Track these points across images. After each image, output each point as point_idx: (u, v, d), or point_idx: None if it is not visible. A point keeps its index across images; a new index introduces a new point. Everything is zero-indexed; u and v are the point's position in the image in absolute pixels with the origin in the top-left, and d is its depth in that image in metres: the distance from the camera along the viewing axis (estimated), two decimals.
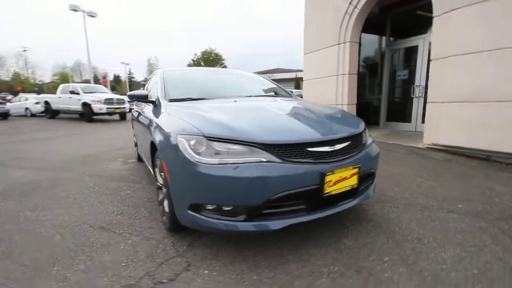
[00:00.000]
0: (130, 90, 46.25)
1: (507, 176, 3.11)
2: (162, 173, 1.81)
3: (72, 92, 12.26)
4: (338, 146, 1.61)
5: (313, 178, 1.47)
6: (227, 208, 1.49)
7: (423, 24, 5.97)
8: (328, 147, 1.57)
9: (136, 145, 4.45)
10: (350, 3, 5.81)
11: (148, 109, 2.68)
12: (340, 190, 1.57)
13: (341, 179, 1.56)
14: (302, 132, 1.58)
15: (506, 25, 3.47)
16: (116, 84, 57.95)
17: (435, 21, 4.32)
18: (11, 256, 1.75)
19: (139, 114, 3.30)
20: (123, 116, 13.37)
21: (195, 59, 30.08)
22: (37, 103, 15.00)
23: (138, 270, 1.56)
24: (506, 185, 2.79)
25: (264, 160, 1.43)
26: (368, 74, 7.43)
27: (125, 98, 14.11)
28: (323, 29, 6.60)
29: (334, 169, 1.52)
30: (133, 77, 61.37)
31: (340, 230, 1.96)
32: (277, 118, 1.78)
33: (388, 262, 1.58)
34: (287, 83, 27.66)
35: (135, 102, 4.26)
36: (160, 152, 1.74)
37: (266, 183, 1.40)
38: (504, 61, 3.52)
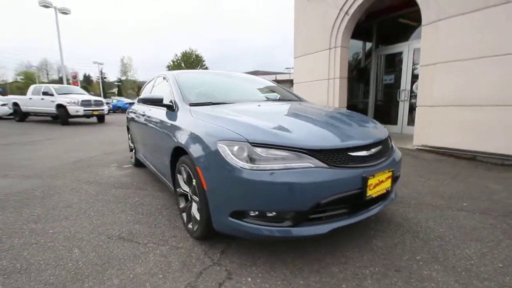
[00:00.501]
0: (104, 90, 44.04)
1: (496, 175, 3.38)
2: (194, 180, 1.76)
3: (44, 93, 11.50)
4: (373, 150, 1.67)
5: (357, 182, 1.52)
6: (271, 214, 1.49)
7: (408, 31, 6.34)
8: (365, 151, 1.63)
9: (132, 149, 4.28)
10: (341, 9, 6.02)
11: (159, 113, 2.59)
12: (378, 193, 1.63)
13: (379, 183, 1.61)
14: (342, 137, 1.62)
15: (489, 35, 3.78)
16: (87, 85, 54.99)
17: (423, 29, 4.60)
18: (29, 274, 1.61)
19: (142, 117, 3.18)
20: (101, 119, 12.78)
21: (174, 60, 29.35)
22: (4, 104, 13.84)
23: (178, 282, 1.51)
24: (499, 183, 3.03)
25: (313, 165, 1.44)
26: (355, 78, 7.71)
27: (103, 99, 13.54)
28: (314, 34, 6.77)
29: (374, 172, 1.58)
30: (105, 77, 58.41)
31: (367, 231, 2.02)
32: (314, 123, 1.80)
33: (422, 260, 1.66)
34: None
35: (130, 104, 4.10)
36: (195, 159, 1.69)
37: (316, 188, 1.42)
38: (487, 68, 3.84)
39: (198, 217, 1.82)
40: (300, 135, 1.55)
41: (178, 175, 2.10)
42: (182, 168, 1.99)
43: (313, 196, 1.43)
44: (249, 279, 1.53)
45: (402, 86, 6.38)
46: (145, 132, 3.10)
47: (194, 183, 1.79)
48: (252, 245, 1.85)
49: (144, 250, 1.83)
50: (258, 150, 1.48)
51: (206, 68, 30.18)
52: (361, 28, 6.83)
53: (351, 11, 5.86)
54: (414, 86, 6.14)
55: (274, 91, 3.03)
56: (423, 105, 4.73)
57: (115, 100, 27.50)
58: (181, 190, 2.09)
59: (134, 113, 3.93)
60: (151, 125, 2.77)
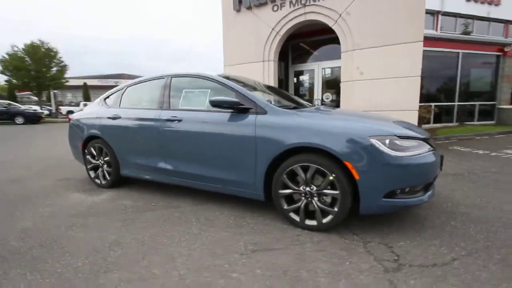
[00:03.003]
0: None
1: None
2: (333, 175, 1.96)
3: None
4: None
5: (439, 159, 2.27)
6: (408, 189, 1.98)
7: (317, 54, 8.11)
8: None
9: (98, 167, 3.36)
10: (273, 29, 6.94)
11: (216, 117, 2.44)
12: None
13: None
14: (421, 130, 2.33)
15: (387, 63, 5.69)
16: None
17: (343, 55, 6.20)
18: None
19: (167, 123, 2.72)
20: None
21: (11, 53, 21.05)
22: None
23: (367, 261, 1.70)
24: None
25: (429, 150, 2.06)
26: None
27: None
28: (247, 47, 7.36)
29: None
30: None
31: None
32: (399, 122, 2.43)
33: (468, 207, 2.56)
34: None
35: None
36: (342, 155, 1.90)
37: (436, 165, 2.05)
38: (386, 86, 5.75)
39: (334, 208, 2.01)
40: (411, 129, 2.14)
41: (284, 176, 2.15)
42: (300, 167, 2.09)
43: (435, 170, 2.05)
44: (401, 243, 1.93)
45: (315, 96, 8.07)
46: (180, 140, 2.68)
47: (331, 178, 1.97)
48: (364, 224, 2.22)
49: (296, 252, 1.83)
50: (400, 141, 1.94)
51: (65, 65, 23.84)
52: (281, 48, 8.06)
53: (282, 32, 6.89)
54: (324, 96, 7.92)
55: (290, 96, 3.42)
56: None
57: None
58: (289, 190, 2.16)
59: (114, 119, 3.17)
60: (206, 130, 2.49)
